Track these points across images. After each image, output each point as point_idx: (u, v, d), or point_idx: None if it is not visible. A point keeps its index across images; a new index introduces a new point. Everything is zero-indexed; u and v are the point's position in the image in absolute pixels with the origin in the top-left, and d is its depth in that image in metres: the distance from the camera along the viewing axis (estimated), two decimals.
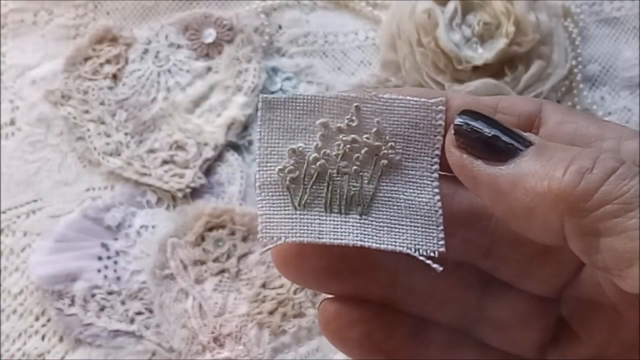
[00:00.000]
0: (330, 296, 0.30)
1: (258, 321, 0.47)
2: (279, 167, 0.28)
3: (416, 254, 0.27)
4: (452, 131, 0.27)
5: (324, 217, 0.28)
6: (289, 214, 0.28)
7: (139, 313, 0.48)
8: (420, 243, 0.28)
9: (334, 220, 0.28)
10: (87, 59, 0.55)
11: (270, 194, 0.28)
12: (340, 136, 0.29)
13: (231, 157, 0.52)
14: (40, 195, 0.51)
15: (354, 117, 0.29)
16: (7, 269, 0.49)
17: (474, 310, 0.31)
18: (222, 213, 0.49)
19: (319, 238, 0.28)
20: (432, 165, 0.29)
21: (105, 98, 0.54)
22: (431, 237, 0.28)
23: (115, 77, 0.54)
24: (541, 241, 0.27)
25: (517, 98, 0.33)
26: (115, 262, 0.49)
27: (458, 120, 0.27)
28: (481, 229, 0.30)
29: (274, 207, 0.28)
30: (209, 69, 0.55)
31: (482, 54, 0.50)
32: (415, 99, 0.29)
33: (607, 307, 0.29)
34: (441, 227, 0.28)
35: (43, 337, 0.48)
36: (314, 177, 0.28)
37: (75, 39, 0.56)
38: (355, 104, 0.29)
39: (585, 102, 0.53)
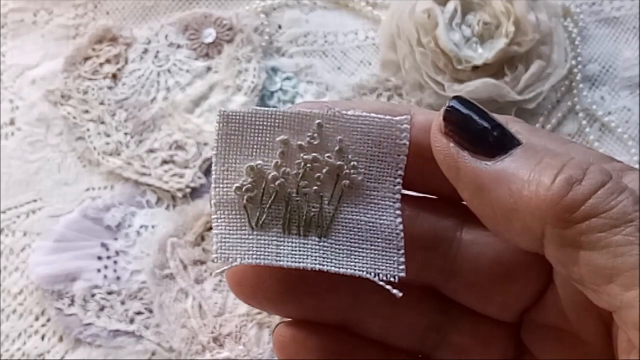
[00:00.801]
0: (286, 320, 0.30)
1: (258, 321, 0.47)
2: (236, 185, 0.27)
3: (376, 279, 0.27)
4: (441, 117, 0.26)
5: (282, 239, 0.27)
6: (245, 235, 0.27)
7: (139, 313, 0.48)
8: (381, 268, 0.27)
9: (292, 243, 0.27)
10: (87, 59, 0.55)
11: (226, 213, 0.27)
12: (301, 155, 0.27)
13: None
14: (40, 195, 0.51)
15: (315, 135, 0.27)
16: (7, 269, 0.49)
17: (435, 334, 0.30)
18: None
19: (277, 261, 0.27)
20: (395, 186, 0.28)
21: (105, 98, 0.54)
22: (392, 262, 0.27)
23: (115, 77, 0.54)
24: (515, 244, 0.26)
25: None
26: (115, 262, 0.49)
27: (449, 105, 0.26)
28: (443, 252, 0.29)
29: (230, 227, 0.27)
30: (209, 69, 0.55)
31: (482, 54, 0.50)
32: (379, 116, 0.28)
33: (570, 334, 0.28)
34: (402, 252, 0.27)
35: (43, 337, 0.48)
36: (272, 197, 0.27)
37: (75, 39, 0.56)
38: (318, 121, 0.27)
39: (585, 102, 0.53)
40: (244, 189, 0.27)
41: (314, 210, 0.27)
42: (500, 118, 0.27)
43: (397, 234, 0.27)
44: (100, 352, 0.47)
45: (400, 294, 0.26)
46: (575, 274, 0.24)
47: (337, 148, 0.27)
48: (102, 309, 0.48)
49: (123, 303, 0.48)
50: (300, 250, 0.27)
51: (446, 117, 0.26)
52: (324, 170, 0.27)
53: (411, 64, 0.52)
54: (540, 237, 0.24)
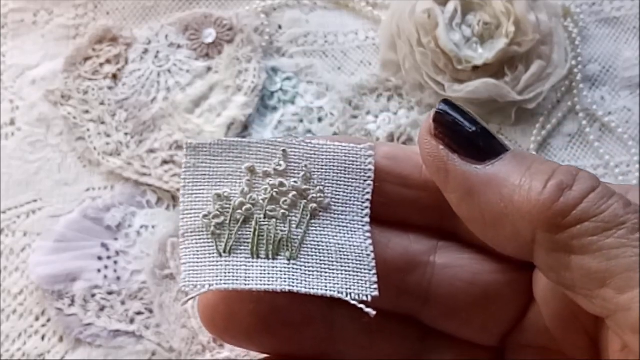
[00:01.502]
0: (264, 356, 0.29)
1: None
2: (203, 213, 0.27)
3: (348, 298, 0.26)
4: (431, 119, 0.26)
5: (251, 263, 0.27)
6: (214, 261, 0.27)
7: (139, 313, 0.48)
8: (353, 287, 0.27)
9: (261, 266, 0.27)
10: (87, 59, 0.55)
11: (194, 240, 0.27)
12: (267, 180, 0.28)
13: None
14: (40, 195, 0.51)
15: (281, 162, 0.28)
16: (7, 269, 0.49)
17: None
18: None
19: (246, 284, 0.26)
20: (362, 209, 0.28)
21: (105, 98, 0.54)
22: (364, 281, 0.27)
23: (115, 77, 0.54)
24: (503, 250, 0.26)
25: None
26: (115, 262, 0.49)
27: (439, 108, 0.26)
28: (417, 277, 0.29)
29: (198, 254, 0.27)
30: (209, 69, 0.55)
31: (482, 54, 0.50)
32: (343, 144, 0.28)
33: (554, 352, 0.28)
34: (374, 271, 0.27)
35: (43, 337, 0.48)
36: (239, 222, 0.27)
37: (75, 39, 0.56)
38: (283, 149, 0.28)
39: (585, 102, 0.53)
40: (211, 215, 0.27)
41: (281, 232, 0.27)
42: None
43: (368, 254, 0.27)
44: (100, 352, 0.47)
45: (374, 312, 0.26)
46: (567, 279, 0.24)
47: (302, 173, 0.28)
48: (102, 309, 0.48)
49: (123, 303, 0.48)
50: (269, 273, 0.27)
51: (436, 119, 0.26)
52: (291, 195, 0.28)
53: (411, 64, 0.52)
54: (530, 243, 0.24)
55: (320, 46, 0.56)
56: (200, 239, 0.27)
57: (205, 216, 0.27)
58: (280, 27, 0.56)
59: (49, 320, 0.48)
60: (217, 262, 0.27)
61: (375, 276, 0.27)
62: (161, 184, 0.51)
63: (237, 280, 0.26)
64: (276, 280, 0.26)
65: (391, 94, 0.54)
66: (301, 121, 0.53)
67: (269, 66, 0.55)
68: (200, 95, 0.54)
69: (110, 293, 0.48)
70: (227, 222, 0.27)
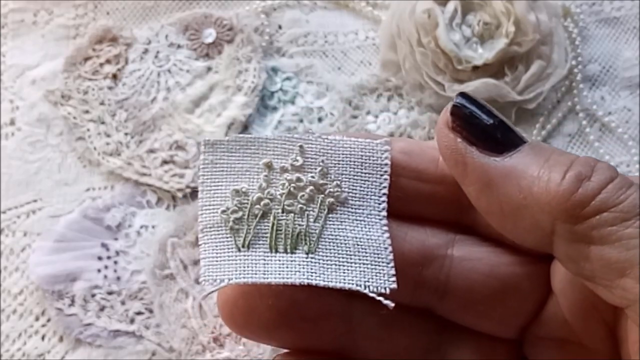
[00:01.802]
0: (282, 351, 0.29)
1: None
2: (222, 208, 0.28)
3: (366, 291, 0.26)
4: (448, 112, 0.26)
5: (269, 257, 0.27)
6: (232, 255, 0.27)
7: (139, 313, 0.48)
8: (370, 280, 0.27)
9: (279, 260, 0.27)
10: (87, 59, 0.55)
11: (213, 236, 0.27)
12: (285, 175, 0.28)
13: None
14: (40, 195, 0.51)
15: (298, 157, 0.28)
16: (7, 269, 0.49)
17: (434, 356, 0.30)
18: None
19: (264, 278, 0.26)
20: (379, 203, 0.28)
21: (105, 98, 0.54)
22: (381, 274, 0.27)
23: (115, 77, 0.54)
24: (522, 242, 0.26)
25: None
26: (115, 262, 0.49)
27: (456, 102, 0.26)
28: (435, 270, 0.29)
29: (217, 249, 0.27)
30: (209, 69, 0.55)
31: (482, 54, 0.50)
32: (359, 140, 0.28)
33: (574, 344, 0.28)
34: (391, 264, 0.27)
35: (43, 337, 0.48)
36: (258, 217, 0.27)
37: (75, 39, 0.56)
38: (300, 144, 0.28)
39: (585, 102, 0.53)
40: (229, 211, 0.28)
41: (299, 227, 0.28)
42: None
43: (385, 247, 0.27)
44: (100, 352, 0.47)
45: (392, 304, 0.26)
46: (586, 269, 0.24)
47: (319, 168, 0.28)
48: (102, 309, 0.48)
49: (123, 303, 0.48)
50: (287, 267, 0.27)
51: (454, 112, 0.26)
52: (308, 189, 0.28)
53: (411, 64, 0.52)
54: (549, 234, 0.24)
55: (320, 46, 0.56)
56: (219, 234, 0.27)
57: (223, 212, 0.28)
58: (280, 27, 0.56)
59: (49, 320, 0.48)
60: (236, 256, 0.27)
61: (393, 269, 0.27)
62: (161, 184, 0.51)
63: (256, 274, 0.26)
64: (295, 274, 0.26)
65: (391, 94, 0.54)
66: (301, 121, 0.53)
67: (269, 66, 0.55)
68: (200, 95, 0.54)
69: (110, 293, 0.48)
70: (246, 217, 0.27)
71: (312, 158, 0.28)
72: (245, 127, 0.53)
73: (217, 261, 0.27)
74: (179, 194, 0.51)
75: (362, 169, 0.28)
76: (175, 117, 0.53)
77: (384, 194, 0.28)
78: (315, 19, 0.56)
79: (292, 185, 0.28)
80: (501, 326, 0.30)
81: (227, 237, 0.27)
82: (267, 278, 0.26)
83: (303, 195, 0.28)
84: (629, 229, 0.23)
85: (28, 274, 0.49)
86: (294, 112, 0.53)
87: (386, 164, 0.28)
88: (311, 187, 0.28)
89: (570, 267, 0.25)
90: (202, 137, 0.52)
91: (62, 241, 0.49)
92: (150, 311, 0.48)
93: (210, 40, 0.55)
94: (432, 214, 0.29)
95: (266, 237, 0.27)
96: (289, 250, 0.27)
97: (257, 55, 0.54)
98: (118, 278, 0.48)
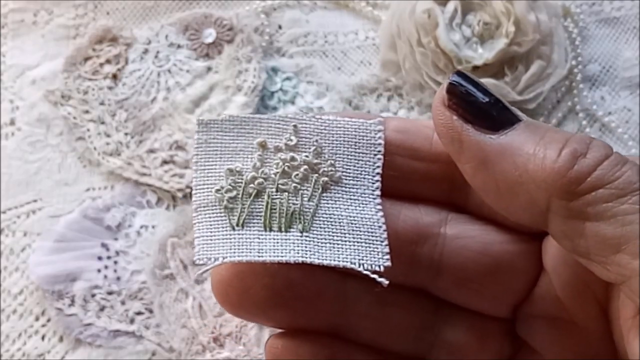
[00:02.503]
0: (277, 331, 0.29)
1: None
2: (216, 187, 0.28)
3: (360, 269, 0.27)
4: (444, 90, 0.26)
5: (264, 235, 0.27)
6: (227, 234, 0.27)
7: (139, 313, 0.48)
8: (365, 258, 0.27)
9: (274, 238, 0.27)
10: (87, 59, 0.55)
11: (207, 215, 0.27)
12: (279, 155, 0.28)
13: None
14: (40, 195, 0.51)
15: (292, 137, 0.28)
16: (7, 269, 0.49)
17: (428, 334, 0.30)
18: None
19: (259, 256, 0.26)
20: (373, 183, 0.28)
21: (105, 98, 0.54)
22: (376, 252, 0.27)
23: (115, 77, 0.54)
24: (518, 219, 0.26)
25: None
26: (115, 262, 0.49)
27: (452, 79, 0.26)
28: (428, 249, 0.29)
29: (211, 227, 0.27)
30: (209, 69, 0.55)
31: (482, 54, 0.50)
32: (353, 119, 0.28)
33: (566, 322, 0.28)
34: (386, 242, 0.27)
35: (43, 337, 0.48)
36: (252, 196, 0.28)
37: (75, 39, 0.56)
38: (294, 124, 0.28)
39: (585, 102, 0.53)
40: (223, 190, 0.28)
41: (293, 205, 0.28)
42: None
43: (379, 226, 0.28)
44: (100, 352, 0.47)
45: (387, 282, 0.26)
46: (581, 246, 0.24)
47: (313, 148, 0.28)
48: (102, 309, 0.48)
49: (123, 303, 0.48)
50: (282, 245, 0.27)
51: (449, 90, 0.26)
52: (302, 169, 0.28)
53: (411, 64, 0.52)
54: (545, 211, 0.24)
55: (320, 46, 0.56)
56: (213, 213, 0.27)
57: (217, 190, 0.28)
58: (280, 27, 0.56)
59: (49, 320, 0.48)
60: (231, 235, 0.27)
61: (387, 247, 0.27)
62: (161, 184, 0.51)
63: (250, 252, 0.26)
64: (289, 252, 0.26)
65: (391, 94, 0.54)
66: None
67: (269, 66, 0.55)
68: (200, 95, 0.54)
69: (110, 293, 0.48)
70: (240, 196, 0.28)
71: (306, 137, 0.28)
72: None
73: (211, 240, 0.27)
74: (179, 194, 0.51)
75: (355, 149, 0.28)
76: (175, 117, 0.53)
77: (378, 173, 0.28)
78: (315, 19, 0.56)
79: (286, 164, 0.28)
80: (494, 304, 0.30)
81: (222, 216, 0.27)
82: (262, 256, 0.26)
83: (297, 175, 0.28)
84: (624, 205, 0.23)
85: (28, 274, 0.49)
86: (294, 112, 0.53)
87: (380, 144, 0.28)
88: (305, 167, 0.28)
89: (565, 244, 0.25)
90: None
91: (62, 241, 0.49)
92: (150, 311, 0.48)
93: (210, 40, 0.55)
94: (426, 193, 0.29)
95: (260, 215, 0.27)
96: (283, 229, 0.27)
97: (257, 55, 0.54)
98: (118, 278, 0.48)
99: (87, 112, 0.53)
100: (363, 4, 0.56)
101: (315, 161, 0.28)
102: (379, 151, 0.28)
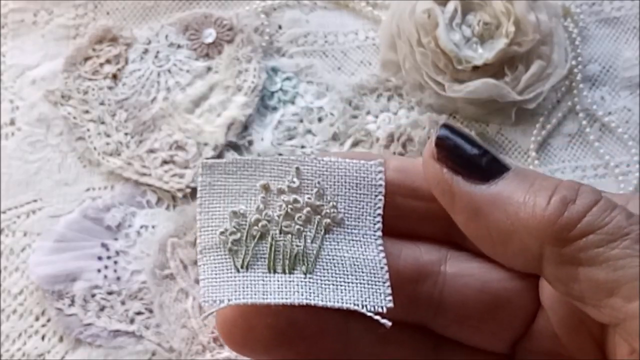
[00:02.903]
0: None
1: None
2: (220, 230, 0.28)
3: (363, 310, 0.27)
4: (433, 143, 0.27)
5: (268, 278, 0.28)
6: (232, 276, 0.27)
7: (139, 313, 0.48)
8: (367, 299, 0.27)
9: (278, 280, 0.27)
10: (87, 59, 0.55)
11: (212, 257, 0.28)
12: (282, 197, 0.29)
13: (231, 157, 0.52)
14: (40, 195, 0.51)
15: (294, 179, 0.29)
16: (7, 269, 0.49)
17: None
18: None
19: (264, 298, 0.27)
20: (374, 224, 0.29)
21: (105, 98, 0.54)
22: (378, 293, 0.28)
23: (115, 77, 0.54)
24: (513, 266, 0.27)
25: None
26: (115, 262, 0.49)
27: (440, 133, 0.27)
28: (428, 287, 0.29)
29: (216, 270, 0.28)
30: (209, 69, 0.55)
31: (482, 54, 0.50)
32: (354, 161, 0.29)
33: (564, 357, 0.28)
34: (388, 283, 0.28)
35: (43, 337, 0.48)
36: (256, 238, 0.28)
37: (75, 39, 0.56)
38: (296, 166, 0.29)
39: (585, 102, 0.53)
40: (228, 232, 0.28)
41: (297, 247, 0.28)
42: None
43: (381, 267, 0.28)
44: (100, 352, 0.47)
45: (389, 324, 0.26)
46: (575, 290, 0.24)
47: (315, 190, 0.29)
48: (102, 309, 0.48)
49: (123, 303, 0.48)
50: (286, 287, 0.27)
51: (438, 143, 0.27)
52: (305, 210, 0.29)
53: (411, 64, 0.52)
54: (538, 257, 0.25)
55: (320, 46, 0.56)
56: (217, 255, 0.28)
57: (222, 233, 0.28)
58: (280, 27, 0.56)
59: (49, 320, 0.48)
60: (235, 277, 0.28)
61: (389, 288, 0.28)
62: (161, 184, 0.51)
63: (255, 294, 0.27)
64: (294, 294, 0.27)
65: (391, 94, 0.54)
66: (301, 121, 0.53)
67: (269, 66, 0.55)
68: (200, 95, 0.54)
69: (110, 293, 0.48)
70: (244, 238, 0.28)
71: (308, 179, 0.29)
72: (245, 127, 0.53)
73: (216, 282, 0.27)
74: (179, 194, 0.51)
75: (357, 190, 0.29)
76: (175, 117, 0.53)
77: (379, 214, 0.29)
78: (315, 19, 0.56)
79: (290, 206, 0.29)
80: (493, 340, 0.30)
81: (226, 258, 0.28)
82: (267, 298, 0.27)
83: (300, 217, 0.28)
84: (615, 250, 0.23)
85: (28, 274, 0.49)
86: (294, 112, 0.53)
87: (380, 184, 0.29)
88: (308, 208, 0.29)
89: (559, 288, 0.25)
90: (202, 137, 0.52)
91: (62, 241, 0.49)
92: (150, 311, 0.48)
93: (210, 40, 0.55)
94: (425, 231, 0.30)
95: (265, 258, 0.28)
96: (287, 271, 0.28)
97: (257, 55, 0.54)
98: (118, 278, 0.48)
99: (87, 112, 0.53)
100: (363, 4, 0.56)
101: (318, 203, 0.29)
102: (380, 192, 0.29)
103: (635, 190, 0.50)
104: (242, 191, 0.29)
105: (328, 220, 0.29)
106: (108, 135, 0.53)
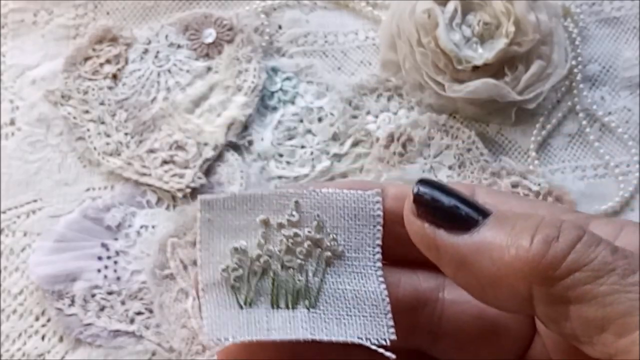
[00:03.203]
0: None
1: None
2: (221, 266, 0.28)
3: (367, 343, 0.27)
4: (411, 200, 0.27)
5: (271, 314, 0.28)
6: (235, 313, 0.27)
7: (139, 313, 0.48)
8: (371, 332, 0.27)
9: (281, 316, 0.27)
10: (87, 59, 0.55)
11: (214, 294, 0.28)
12: (282, 231, 0.29)
13: (231, 157, 0.52)
14: (40, 195, 0.51)
15: (294, 212, 0.29)
16: (7, 269, 0.49)
17: None
18: None
19: (268, 335, 0.27)
20: (374, 255, 0.29)
21: (105, 98, 0.54)
22: (380, 326, 0.28)
23: (115, 77, 0.54)
24: (506, 309, 0.27)
25: None
26: (115, 262, 0.49)
27: (416, 190, 0.27)
28: (427, 314, 0.30)
29: (219, 307, 0.28)
30: (209, 69, 0.55)
31: (482, 54, 0.50)
32: (351, 192, 0.29)
33: None
34: (390, 315, 0.28)
35: (43, 337, 0.48)
36: (258, 274, 0.28)
37: (75, 39, 0.56)
38: (295, 200, 0.29)
39: (585, 102, 0.53)
40: (229, 269, 0.28)
41: (299, 282, 0.28)
42: (465, 190, 0.28)
43: (383, 299, 0.28)
44: (100, 352, 0.47)
45: (394, 356, 0.26)
46: (568, 329, 0.24)
47: (315, 223, 0.29)
48: (102, 309, 0.48)
49: (123, 303, 0.48)
50: (290, 323, 0.27)
51: (416, 199, 0.27)
52: (305, 244, 0.29)
53: (411, 64, 0.52)
54: (529, 298, 0.25)
55: (320, 46, 0.56)
56: (220, 292, 0.28)
57: (223, 270, 0.28)
58: (280, 27, 0.56)
59: (49, 320, 0.48)
60: (239, 314, 0.27)
61: (392, 320, 0.28)
62: (161, 184, 0.51)
63: (259, 331, 0.27)
64: (298, 330, 0.27)
65: (391, 94, 0.54)
66: (301, 121, 0.53)
67: (269, 66, 0.55)
68: (200, 95, 0.54)
69: (110, 293, 0.48)
70: (246, 275, 0.28)
71: (307, 213, 0.29)
72: (245, 127, 0.53)
73: (220, 319, 0.27)
74: (179, 194, 0.51)
75: (355, 221, 0.29)
76: (175, 117, 0.53)
77: (378, 244, 0.29)
78: (315, 19, 0.56)
79: (290, 241, 0.28)
80: None
81: (229, 296, 0.28)
82: (271, 335, 0.27)
83: (301, 251, 0.28)
84: (602, 287, 0.23)
85: (28, 274, 0.49)
86: (294, 112, 0.53)
87: (378, 215, 0.29)
88: (308, 242, 0.29)
89: (552, 327, 0.25)
90: (202, 137, 0.52)
91: (62, 241, 0.49)
92: (150, 311, 0.48)
93: (210, 40, 0.55)
94: (423, 258, 0.30)
95: (267, 294, 0.28)
96: (290, 306, 0.28)
97: (257, 55, 0.54)
98: (118, 278, 0.48)
99: (87, 112, 0.53)
100: (363, 4, 0.56)
101: (318, 236, 0.29)
102: (378, 222, 0.29)
103: (635, 191, 0.50)
104: (241, 226, 0.29)
105: (329, 254, 0.29)
106: (108, 135, 0.53)
